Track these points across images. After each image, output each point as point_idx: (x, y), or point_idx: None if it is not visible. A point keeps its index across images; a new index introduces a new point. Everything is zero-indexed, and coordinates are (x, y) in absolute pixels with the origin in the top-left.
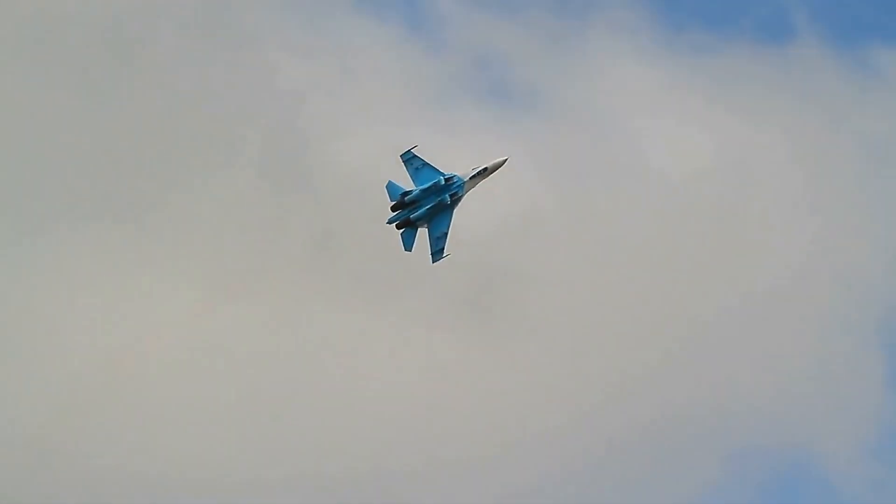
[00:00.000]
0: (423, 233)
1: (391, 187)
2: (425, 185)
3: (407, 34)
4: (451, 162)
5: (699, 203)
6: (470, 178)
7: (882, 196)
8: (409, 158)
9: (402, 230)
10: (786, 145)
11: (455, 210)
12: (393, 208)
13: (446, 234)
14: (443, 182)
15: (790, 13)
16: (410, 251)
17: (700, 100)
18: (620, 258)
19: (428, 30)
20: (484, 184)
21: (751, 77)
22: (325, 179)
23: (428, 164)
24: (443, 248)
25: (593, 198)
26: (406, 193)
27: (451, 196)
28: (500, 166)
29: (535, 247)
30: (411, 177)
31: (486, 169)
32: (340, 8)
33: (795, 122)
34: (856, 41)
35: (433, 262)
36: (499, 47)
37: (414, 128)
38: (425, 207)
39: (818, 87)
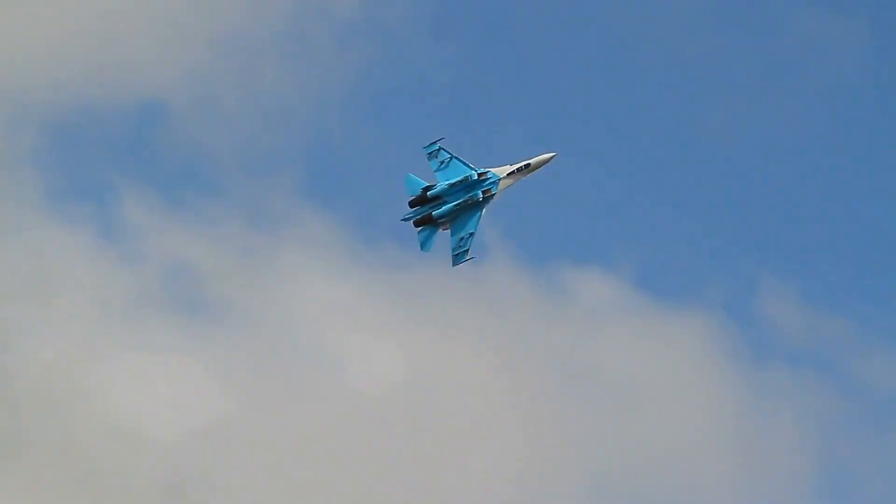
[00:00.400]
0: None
1: (410, 181)
2: (453, 180)
3: (99, 244)
4: None
5: (395, 418)
6: (507, 175)
7: (575, 414)
8: (433, 151)
9: (420, 228)
10: (480, 360)
11: (485, 209)
12: (411, 204)
13: (473, 234)
14: (475, 177)
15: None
16: (428, 252)
17: (394, 314)
18: (313, 474)
19: (120, 240)
20: None
21: (443, 292)
22: (14, 386)
23: (456, 157)
24: (467, 251)
25: (287, 412)
26: (429, 188)
27: (483, 192)
28: (545, 163)
29: (228, 459)
30: (435, 172)
31: (528, 165)
32: (31, 215)
33: (489, 337)
34: (544, 260)
35: (454, 265)
36: (192, 260)
37: (104, 339)
38: (452, 204)
39: (510, 303)
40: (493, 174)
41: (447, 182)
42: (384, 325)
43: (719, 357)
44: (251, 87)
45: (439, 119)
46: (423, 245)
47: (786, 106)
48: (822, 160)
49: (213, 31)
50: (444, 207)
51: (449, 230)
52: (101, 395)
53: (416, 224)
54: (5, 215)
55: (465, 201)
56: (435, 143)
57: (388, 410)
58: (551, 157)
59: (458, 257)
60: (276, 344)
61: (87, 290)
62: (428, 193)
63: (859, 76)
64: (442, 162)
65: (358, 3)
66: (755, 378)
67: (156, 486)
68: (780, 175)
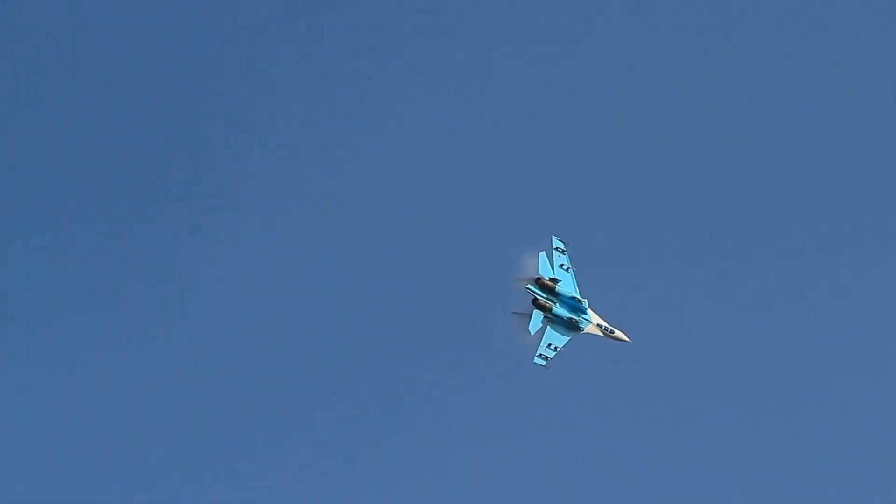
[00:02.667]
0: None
1: (544, 262)
2: (573, 293)
3: None
4: None
5: None
6: (595, 324)
7: None
8: (561, 249)
9: (537, 310)
10: None
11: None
12: (537, 282)
13: (557, 349)
14: (586, 306)
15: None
16: (531, 336)
17: None
18: None
19: None
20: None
21: None
22: None
23: (574, 273)
24: (548, 359)
25: None
26: (556, 280)
27: (582, 321)
28: (620, 340)
29: None
30: (555, 267)
31: (612, 332)
32: None
33: None
34: None
35: (534, 363)
36: None
37: None
38: (565, 313)
39: None
40: (588, 314)
41: (570, 292)
42: None
43: None
44: None
45: None
46: (534, 327)
47: None
48: None
49: None
50: (560, 309)
51: (544, 328)
52: None
53: (535, 304)
54: None
55: (571, 316)
56: (564, 244)
57: None
58: (626, 341)
59: (539, 358)
60: None
61: None
62: (556, 287)
63: None
64: (562, 265)
65: None
66: None
67: None
68: None
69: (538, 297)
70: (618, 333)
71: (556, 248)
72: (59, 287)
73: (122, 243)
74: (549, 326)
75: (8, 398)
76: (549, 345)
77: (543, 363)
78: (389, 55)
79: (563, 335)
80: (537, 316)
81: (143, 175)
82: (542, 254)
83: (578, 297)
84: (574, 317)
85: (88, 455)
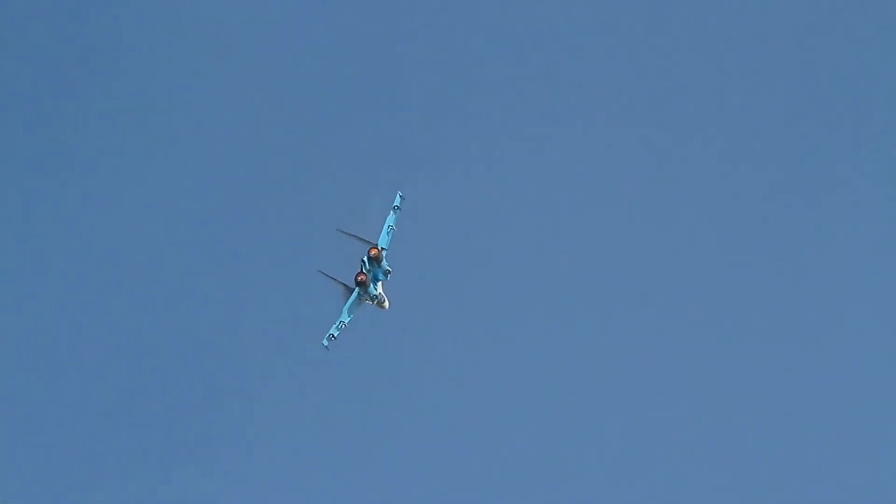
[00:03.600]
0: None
1: (384, 233)
2: (386, 266)
3: None
4: None
5: None
6: (377, 294)
7: None
8: (398, 207)
9: (357, 286)
10: None
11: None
12: (371, 254)
13: (343, 326)
14: (388, 278)
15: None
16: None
17: None
18: None
19: None
20: None
21: None
22: None
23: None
24: (331, 338)
25: None
26: (385, 250)
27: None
28: (383, 308)
29: None
30: (383, 234)
31: (383, 302)
32: None
33: None
34: None
35: (323, 342)
36: None
37: None
38: (374, 290)
39: None
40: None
41: (385, 264)
42: None
43: None
44: None
45: None
46: (347, 308)
47: None
48: None
49: None
50: (372, 286)
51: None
52: None
53: (356, 279)
54: None
55: (375, 295)
56: (402, 201)
57: None
58: (385, 307)
59: (329, 338)
60: None
61: None
62: (383, 253)
63: None
64: (390, 227)
65: None
66: None
67: None
68: None
69: (364, 272)
70: (386, 303)
71: (395, 206)
72: None
73: None
74: (349, 303)
75: None
76: (341, 322)
77: (325, 344)
78: None
79: (351, 311)
80: (355, 293)
81: None
82: (389, 217)
83: (389, 268)
84: (375, 292)
85: None
